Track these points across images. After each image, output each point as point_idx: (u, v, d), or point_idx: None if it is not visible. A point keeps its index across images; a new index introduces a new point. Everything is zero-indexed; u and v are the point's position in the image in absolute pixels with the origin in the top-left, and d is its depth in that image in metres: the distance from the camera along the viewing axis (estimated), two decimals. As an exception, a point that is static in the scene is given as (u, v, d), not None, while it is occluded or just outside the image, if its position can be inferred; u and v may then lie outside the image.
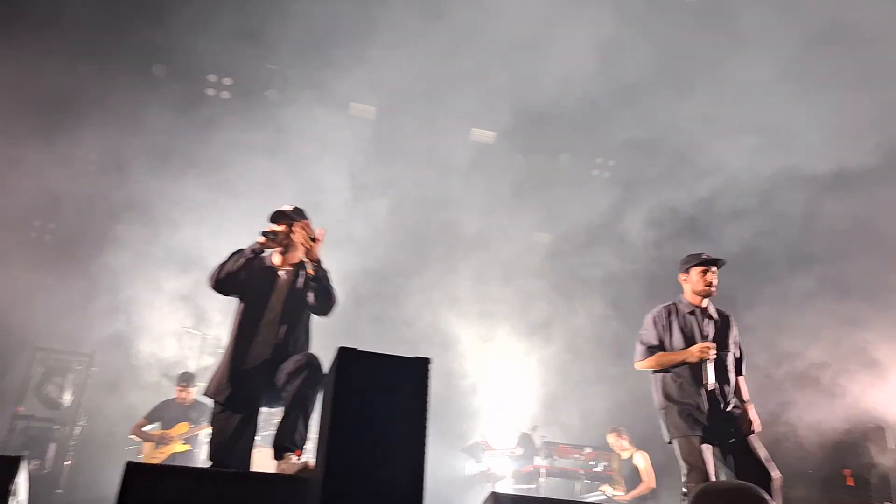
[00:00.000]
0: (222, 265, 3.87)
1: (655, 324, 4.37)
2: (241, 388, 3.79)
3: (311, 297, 3.88)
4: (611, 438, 7.60)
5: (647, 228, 8.76)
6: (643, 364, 4.32)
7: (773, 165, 7.31)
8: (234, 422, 3.76)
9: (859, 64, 6.75)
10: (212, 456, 3.72)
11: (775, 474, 4.00)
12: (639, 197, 8.86)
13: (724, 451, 4.13)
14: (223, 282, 3.84)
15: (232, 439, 3.73)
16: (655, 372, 4.34)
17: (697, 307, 4.37)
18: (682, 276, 4.43)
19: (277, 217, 4.01)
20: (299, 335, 3.95)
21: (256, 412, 3.87)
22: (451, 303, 8.98)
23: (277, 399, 3.76)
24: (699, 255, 4.39)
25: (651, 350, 4.30)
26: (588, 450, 7.68)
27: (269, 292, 3.96)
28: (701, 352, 4.11)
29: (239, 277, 3.86)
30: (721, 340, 4.32)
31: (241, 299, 3.98)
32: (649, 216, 8.72)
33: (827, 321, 6.74)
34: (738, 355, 4.41)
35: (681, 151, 8.00)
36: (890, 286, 6.89)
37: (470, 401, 9.04)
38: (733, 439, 4.12)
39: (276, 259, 4.07)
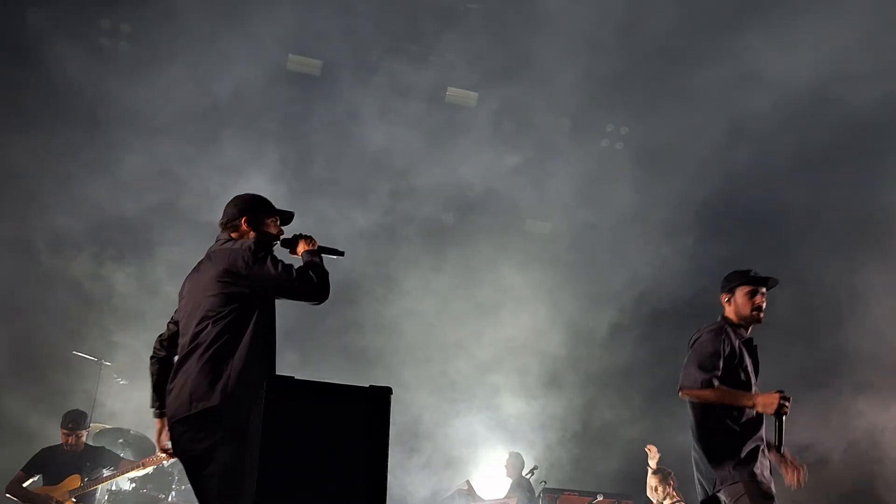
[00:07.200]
0: (324, 272, 3.57)
1: (722, 344, 4.14)
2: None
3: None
4: (653, 482, 6.91)
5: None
6: (698, 394, 4.05)
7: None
8: None
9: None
10: None
11: None
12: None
13: None
14: None
15: None
16: (704, 409, 4.13)
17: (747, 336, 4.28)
18: (724, 297, 4.37)
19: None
20: None
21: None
22: (427, 311, 8.87)
23: None
24: (747, 272, 4.33)
25: (711, 382, 4.02)
26: (601, 497, 7.51)
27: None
28: (781, 403, 3.98)
29: None
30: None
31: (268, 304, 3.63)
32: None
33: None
34: None
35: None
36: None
37: (452, 438, 8.91)
38: None
39: None
